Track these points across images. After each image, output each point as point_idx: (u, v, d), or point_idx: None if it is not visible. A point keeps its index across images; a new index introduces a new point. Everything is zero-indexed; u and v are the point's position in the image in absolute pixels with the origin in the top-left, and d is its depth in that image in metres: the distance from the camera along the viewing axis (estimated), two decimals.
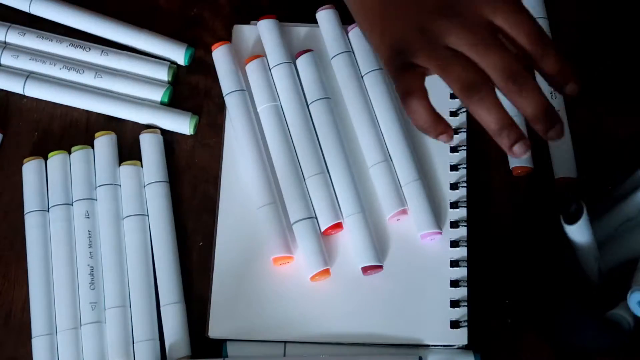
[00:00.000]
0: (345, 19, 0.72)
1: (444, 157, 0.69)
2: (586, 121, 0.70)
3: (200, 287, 0.65)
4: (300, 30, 0.73)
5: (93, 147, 0.70)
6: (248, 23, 0.74)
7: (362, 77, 0.71)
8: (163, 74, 0.73)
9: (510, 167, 0.69)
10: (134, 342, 0.65)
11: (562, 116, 0.70)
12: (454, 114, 0.70)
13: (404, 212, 0.67)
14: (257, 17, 0.73)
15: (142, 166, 0.70)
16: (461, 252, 0.66)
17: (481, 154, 0.70)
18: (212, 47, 0.72)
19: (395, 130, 0.68)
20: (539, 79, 0.57)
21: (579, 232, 0.55)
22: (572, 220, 0.54)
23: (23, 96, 0.73)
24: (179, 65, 0.74)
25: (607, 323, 0.56)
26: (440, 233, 0.66)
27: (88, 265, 0.67)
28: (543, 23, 0.73)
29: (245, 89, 0.71)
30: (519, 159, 0.65)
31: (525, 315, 0.65)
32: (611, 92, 0.70)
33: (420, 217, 0.66)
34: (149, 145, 0.70)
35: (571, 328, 0.59)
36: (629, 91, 0.71)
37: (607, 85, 0.70)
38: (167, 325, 0.65)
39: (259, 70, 0.71)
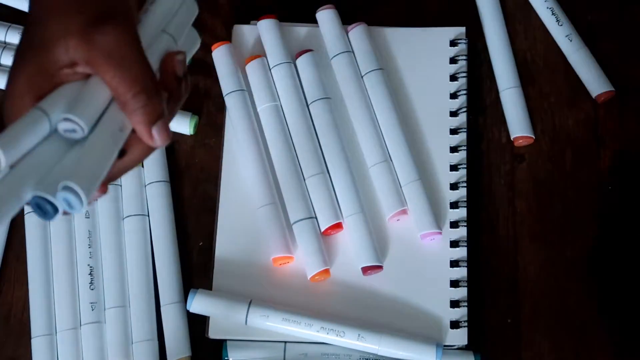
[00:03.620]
0: (345, 19, 0.72)
1: (444, 157, 0.69)
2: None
3: (200, 287, 0.65)
4: (300, 30, 0.73)
5: None
6: (248, 23, 0.74)
7: (362, 77, 0.71)
8: None
9: (512, 137, 0.70)
10: (133, 342, 0.65)
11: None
12: (454, 114, 0.70)
13: (404, 212, 0.67)
14: (257, 17, 0.73)
15: (142, 166, 0.70)
16: (461, 252, 0.66)
17: (481, 154, 0.70)
18: (212, 47, 0.72)
19: (395, 130, 0.68)
20: None
21: None
22: None
23: None
24: None
25: None
26: (440, 233, 0.66)
27: (88, 265, 0.67)
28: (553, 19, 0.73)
29: (245, 89, 0.71)
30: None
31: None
32: None
33: (420, 217, 0.66)
34: None
35: None
36: None
37: None
38: (167, 325, 0.65)
39: (259, 70, 0.71)
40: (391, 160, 0.68)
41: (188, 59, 0.54)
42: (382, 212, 0.67)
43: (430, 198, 0.67)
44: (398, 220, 0.67)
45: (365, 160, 0.69)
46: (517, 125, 0.70)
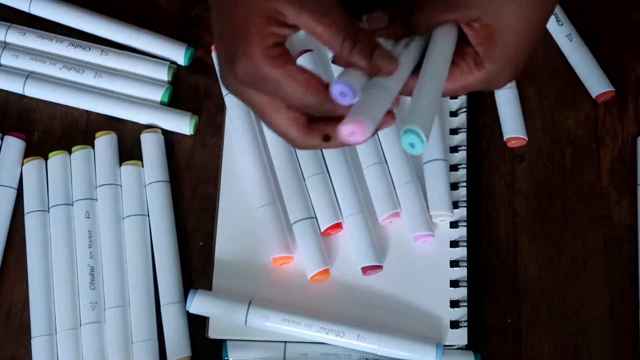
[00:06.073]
0: None
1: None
2: None
3: (200, 287, 0.65)
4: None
5: (93, 147, 0.70)
6: None
7: None
8: (163, 74, 0.73)
9: (505, 138, 0.69)
10: (133, 342, 0.65)
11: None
12: (454, 114, 0.70)
13: (397, 214, 0.67)
14: None
15: (142, 166, 0.70)
16: (461, 252, 0.66)
17: (481, 154, 0.70)
18: (212, 47, 0.72)
19: (391, 132, 0.68)
20: None
21: None
22: None
23: (23, 96, 0.73)
24: (179, 65, 0.74)
25: None
26: (433, 235, 0.66)
27: (88, 265, 0.67)
28: None
29: None
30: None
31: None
32: None
33: (413, 220, 0.66)
34: (150, 144, 0.70)
35: None
36: None
37: None
38: (167, 325, 0.65)
39: None
40: (386, 162, 0.68)
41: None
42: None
43: (424, 200, 0.67)
44: (391, 222, 0.67)
45: (360, 161, 0.68)
46: (511, 126, 0.70)
